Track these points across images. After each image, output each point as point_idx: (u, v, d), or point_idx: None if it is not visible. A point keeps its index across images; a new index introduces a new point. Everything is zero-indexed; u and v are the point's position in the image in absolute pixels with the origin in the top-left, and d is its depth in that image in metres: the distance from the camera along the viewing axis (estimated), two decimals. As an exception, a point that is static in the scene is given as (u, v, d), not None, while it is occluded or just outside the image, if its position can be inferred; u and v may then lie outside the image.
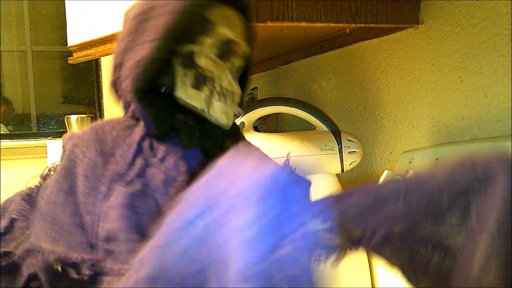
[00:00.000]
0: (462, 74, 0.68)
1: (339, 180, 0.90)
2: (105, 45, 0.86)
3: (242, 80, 0.53)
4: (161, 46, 0.44)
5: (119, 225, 0.41)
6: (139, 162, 0.45)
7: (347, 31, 0.79)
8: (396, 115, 0.83)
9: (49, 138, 1.77)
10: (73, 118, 1.14)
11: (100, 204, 0.43)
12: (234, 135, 0.51)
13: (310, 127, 0.93)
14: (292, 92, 1.20)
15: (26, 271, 0.43)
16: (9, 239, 0.46)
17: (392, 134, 0.85)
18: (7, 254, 0.44)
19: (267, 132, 1.04)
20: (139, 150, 0.46)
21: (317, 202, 0.47)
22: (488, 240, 0.34)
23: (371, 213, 0.41)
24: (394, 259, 0.42)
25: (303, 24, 0.66)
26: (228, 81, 0.47)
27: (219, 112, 0.47)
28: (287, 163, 0.34)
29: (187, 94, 0.46)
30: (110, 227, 0.41)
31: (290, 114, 0.93)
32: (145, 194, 0.43)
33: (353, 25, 0.70)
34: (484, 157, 0.38)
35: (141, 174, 0.44)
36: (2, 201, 0.49)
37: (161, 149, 0.46)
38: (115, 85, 0.50)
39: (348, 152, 0.86)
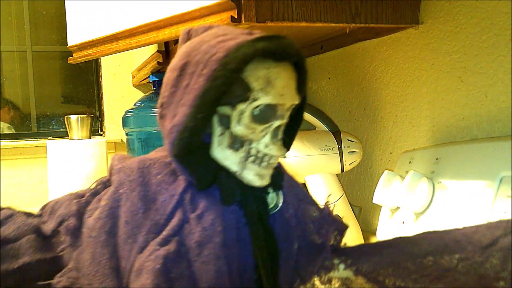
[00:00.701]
0: (462, 74, 0.68)
1: (339, 180, 0.90)
2: (105, 45, 0.86)
3: (294, 121, 0.50)
4: (195, 114, 0.42)
5: None
6: (177, 216, 0.45)
7: (347, 31, 0.79)
8: (396, 115, 0.83)
9: (49, 138, 1.77)
10: (73, 118, 1.14)
11: (135, 254, 0.44)
12: (275, 184, 0.48)
13: (310, 127, 0.93)
14: (292, 92, 1.20)
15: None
16: (54, 242, 0.47)
17: (392, 134, 0.85)
18: (54, 259, 0.46)
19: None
20: (180, 202, 0.45)
21: (350, 248, 0.51)
22: None
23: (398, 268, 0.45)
24: None
25: (303, 24, 0.66)
26: (265, 144, 0.45)
27: (252, 175, 0.45)
28: None
29: (223, 155, 0.45)
30: None
31: (290, 114, 0.92)
32: (179, 257, 0.43)
33: (353, 25, 0.70)
34: None
35: (177, 231, 0.44)
36: (2, 203, 0.49)
37: (201, 204, 0.45)
38: (160, 122, 0.48)
39: (348, 152, 0.86)
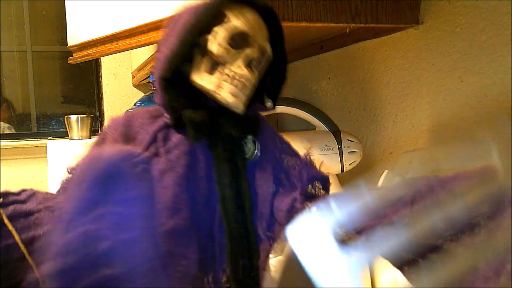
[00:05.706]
0: (462, 74, 0.68)
1: (339, 180, 0.90)
2: (105, 45, 0.86)
3: (276, 80, 0.56)
4: (182, 40, 0.48)
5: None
6: (150, 150, 0.50)
7: (347, 31, 0.79)
8: (396, 115, 0.83)
9: (49, 138, 1.77)
10: (73, 118, 1.14)
11: None
12: (251, 129, 0.53)
13: (310, 127, 0.93)
14: (292, 92, 1.20)
15: None
16: None
17: (392, 134, 0.85)
18: None
19: (267, 132, 1.04)
20: (154, 139, 0.51)
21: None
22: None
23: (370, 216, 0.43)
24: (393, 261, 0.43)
25: (303, 24, 0.66)
26: (238, 66, 0.49)
27: (226, 91, 0.49)
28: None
29: (201, 77, 0.50)
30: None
31: (290, 114, 0.93)
32: (143, 177, 0.48)
33: (353, 25, 0.70)
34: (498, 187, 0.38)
35: (147, 161, 0.49)
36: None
37: (172, 141, 0.51)
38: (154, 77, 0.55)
39: (348, 152, 0.86)
